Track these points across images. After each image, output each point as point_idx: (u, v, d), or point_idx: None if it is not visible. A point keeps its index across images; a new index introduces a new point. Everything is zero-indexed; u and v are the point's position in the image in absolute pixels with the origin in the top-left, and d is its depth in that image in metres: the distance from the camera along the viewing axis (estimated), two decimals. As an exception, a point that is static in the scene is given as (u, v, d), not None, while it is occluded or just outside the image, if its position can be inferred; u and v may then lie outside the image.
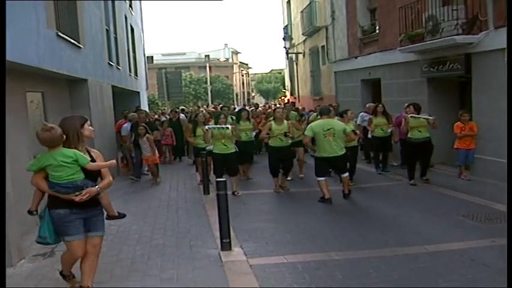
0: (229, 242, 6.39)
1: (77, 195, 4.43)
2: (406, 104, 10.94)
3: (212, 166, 10.74)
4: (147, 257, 6.25)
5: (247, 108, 17.90)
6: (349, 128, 9.84)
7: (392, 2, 14.27)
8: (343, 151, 9.39)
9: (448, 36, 11.20)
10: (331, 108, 10.47)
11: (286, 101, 33.22)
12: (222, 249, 6.34)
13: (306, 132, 9.51)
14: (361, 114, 14.03)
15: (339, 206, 9.00)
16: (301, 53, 27.34)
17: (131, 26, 23.10)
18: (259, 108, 21.11)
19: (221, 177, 9.53)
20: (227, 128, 10.07)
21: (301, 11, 25.09)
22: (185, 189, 11.39)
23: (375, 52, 16.01)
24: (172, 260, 6.12)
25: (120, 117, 14.98)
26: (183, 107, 26.53)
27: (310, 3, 23.42)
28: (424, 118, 10.41)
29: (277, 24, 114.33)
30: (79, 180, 4.49)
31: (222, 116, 10.57)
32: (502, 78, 10.07)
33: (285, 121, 10.62)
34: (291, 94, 31.72)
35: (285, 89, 38.22)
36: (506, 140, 6.32)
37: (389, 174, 12.25)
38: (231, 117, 12.76)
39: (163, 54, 72.49)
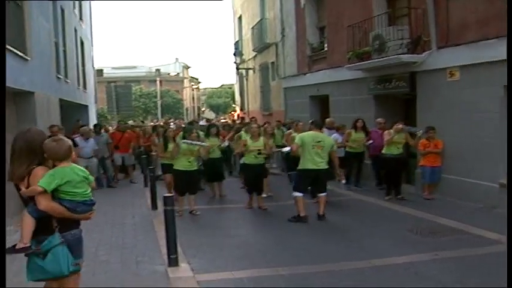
0: (176, 257, 6.31)
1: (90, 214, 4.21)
2: (381, 119, 11.34)
3: (174, 184, 10.22)
4: (92, 274, 6.07)
5: (216, 123, 17.87)
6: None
7: (340, 21, 14.58)
8: (327, 166, 9.06)
9: (393, 55, 11.50)
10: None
11: (236, 116, 33.28)
12: (169, 265, 6.25)
13: (295, 140, 9.11)
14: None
15: (288, 221, 9.00)
16: (251, 68, 27.48)
17: (81, 39, 22.76)
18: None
19: (183, 195, 9.76)
20: (203, 145, 9.77)
21: (252, 27, 25.27)
22: (133, 204, 11.19)
23: (323, 69, 16.24)
24: (117, 276, 5.99)
25: (69, 130, 14.63)
26: (132, 121, 26.23)
27: (261, 20, 23.64)
28: (410, 131, 10.60)
29: (228, 39, 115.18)
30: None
31: (194, 130, 10.19)
32: (445, 96, 10.48)
33: (261, 138, 10.34)
34: (241, 109, 31.79)
35: (235, 104, 38.27)
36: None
37: (360, 190, 12.18)
38: (197, 132, 12.37)
39: (113, 68, 71.44)
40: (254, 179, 10.22)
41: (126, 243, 7.57)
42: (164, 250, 6.53)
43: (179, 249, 6.59)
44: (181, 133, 12.09)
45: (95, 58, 29.49)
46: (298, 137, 9.23)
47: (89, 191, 4.12)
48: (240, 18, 30.21)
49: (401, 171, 10.81)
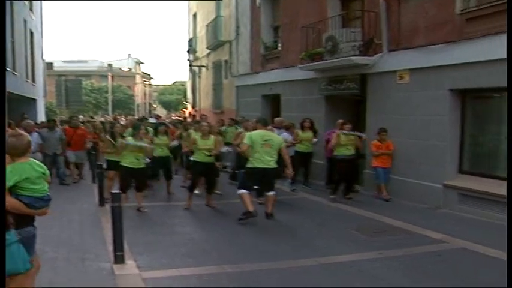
0: (123, 255, 6.20)
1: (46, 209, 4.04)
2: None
3: (120, 180, 9.86)
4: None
5: (167, 122, 17.49)
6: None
7: (295, 21, 14.63)
8: (276, 165, 8.81)
9: (345, 57, 11.61)
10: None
11: (187, 113, 33.03)
12: (115, 262, 6.13)
13: (244, 141, 8.85)
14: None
15: (236, 220, 8.94)
16: (204, 66, 27.32)
17: (30, 31, 22.11)
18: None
19: (125, 192, 9.36)
20: (150, 147, 9.65)
21: (207, 25, 25.11)
22: (80, 201, 10.87)
23: (276, 68, 16.28)
24: (63, 274, 5.79)
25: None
26: (82, 116, 25.65)
27: (215, 17, 23.51)
28: (356, 135, 10.47)
29: (182, 36, 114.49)
30: None
31: (143, 127, 9.95)
32: (395, 98, 10.67)
33: (212, 136, 10.07)
34: (193, 107, 31.57)
35: (186, 101, 37.97)
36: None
37: (309, 189, 12.17)
38: (146, 129, 11.72)
39: (64, 61, 69.73)
40: (200, 176, 10.10)
41: (72, 240, 7.35)
42: (111, 247, 6.39)
43: (125, 246, 6.46)
44: (129, 129, 11.80)
45: (45, 51, 28.76)
46: (247, 136, 8.99)
47: (46, 187, 4.06)
48: (195, 15, 30.01)
49: (352, 173, 10.74)
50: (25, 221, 3.96)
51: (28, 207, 3.92)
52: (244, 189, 8.78)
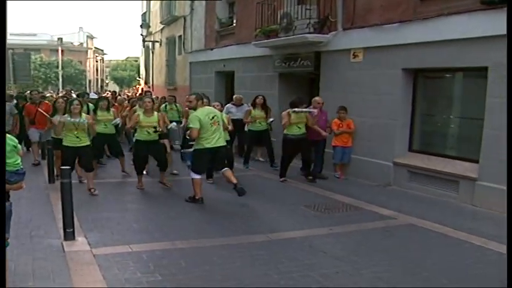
0: (73, 231, 6.11)
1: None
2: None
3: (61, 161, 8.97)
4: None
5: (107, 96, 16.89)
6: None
7: (250, -3, 14.47)
8: (224, 142, 8.53)
9: (300, 34, 11.55)
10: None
11: (140, 90, 32.50)
12: (65, 239, 6.04)
13: (192, 124, 8.16)
14: (226, 106, 13.16)
15: (186, 195, 8.84)
16: (157, 41, 26.90)
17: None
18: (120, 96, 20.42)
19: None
20: (82, 121, 8.72)
21: (161, -1, 24.68)
22: (30, 178, 10.46)
23: (231, 45, 16.13)
24: (11, 251, 5.55)
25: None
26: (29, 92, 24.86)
27: (170, -9, 23.11)
28: (306, 112, 9.97)
29: (136, 10, 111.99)
30: None
31: (76, 102, 9.00)
32: (348, 76, 10.75)
33: (156, 113, 9.66)
34: (145, 83, 31.11)
35: (139, 77, 37.37)
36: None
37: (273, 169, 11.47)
38: (87, 105, 11.34)
39: (11, 34, 67.03)
40: (149, 154, 9.71)
41: (21, 218, 7.05)
42: (60, 224, 6.26)
43: (76, 223, 6.37)
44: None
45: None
46: (193, 118, 8.23)
47: (19, 160, 3.99)
48: (148, -12, 29.43)
49: (306, 151, 10.31)
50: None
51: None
52: (197, 173, 8.37)
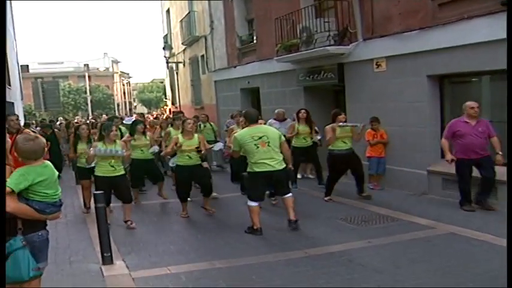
0: (111, 255, 6.21)
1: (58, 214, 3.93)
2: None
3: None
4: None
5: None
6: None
7: (268, 13, 14.60)
8: (282, 165, 7.52)
9: (321, 47, 11.62)
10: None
11: (168, 110, 32.83)
12: (104, 263, 6.14)
13: (232, 147, 7.72)
14: (269, 121, 12.08)
15: (222, 215, 8.97)
16: (181, 62, 27.16)
17: (2, 34, 21.75)
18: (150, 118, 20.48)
19: (108, 205, 8.11)
20: (120, 152, 8.05)
21: (181, 21, 24.95)
22: (65, 203, 10.69)
23: (253, 61, 16.26)
24: (52, 277, 5.69)
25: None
26: (62, 118, 25.46)
27: (189, 12, 23.36)
28: (352, 126, 9.45)
29: (157, 33, 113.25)
30: None
31: (114, 128, 8.38)
32: (373, 86, 10.72)
33: (196, 135, 9.01)
34: (173, 103, 31.41)
35: (166, 98, 37.75)
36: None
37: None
38: (119, 129, 10.78)
39: (39, 63, 68.61)
40: (188, 183, 9.03)
41: (59, 243, 7.26)
42: (98, 248, 6.37)
43: (113, 246, 6.48)
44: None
45: (20, 53, 28.38)
46: (233, 139, 7.73)
47: (59, 191, 3.94)
48: (168, 11, 29.80)
49: (356, 168, 9.69)
50: (36, 225, 3.86)
51: (39, 212, 3.80)
52: (253, 200, 7.55)
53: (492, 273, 5.32)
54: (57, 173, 4.03)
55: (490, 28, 7.90)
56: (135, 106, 79.56)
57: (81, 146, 9.45)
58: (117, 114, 53.29)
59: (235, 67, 17.92)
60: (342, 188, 10.17)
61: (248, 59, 16.82)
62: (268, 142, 7.34)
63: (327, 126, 9.60)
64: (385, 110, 10.44)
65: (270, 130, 7.73)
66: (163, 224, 8.68)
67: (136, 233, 7.89)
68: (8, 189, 3.59)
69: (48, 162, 3.94)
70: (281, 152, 7.56)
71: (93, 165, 8.38)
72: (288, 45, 13.16)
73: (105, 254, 6.18)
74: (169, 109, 32.20)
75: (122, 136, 10.41)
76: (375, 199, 9.50)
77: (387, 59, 10.33)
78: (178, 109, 27.08)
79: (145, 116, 24.15)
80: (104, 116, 28.47)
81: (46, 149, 3.95)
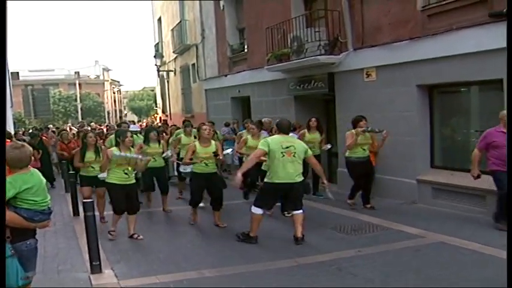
0: (99, 264, 6.18)
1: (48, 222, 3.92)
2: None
3: (111, 201, 8.18)
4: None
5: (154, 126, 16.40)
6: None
7: (259, 22, 14.66)
8: (301, 178, 7.43)
9: (311, 56, 11.68)
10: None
11: (158, 119, 32.84)
12: (92, 272, 6.11)
13: (260, 146, 7.40)
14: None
15: (212, 224, 8.90)
16: (172, 70, 27.20)
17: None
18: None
19: (122, 213, 8.00)
20: (141, 159, 7.91)
21: (172, 29, 25.00)
22: (54, 211, 10.60)
23: (244, 70, 16.30)
24: (39, 286, 5.69)
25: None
26: (51, 126, 25.36)
27: (180, 21, 23.43)
28: (376, 132, 9.34)
29: (148, 41, 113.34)
30: None
31: (130, 134, 8.15)
32: (363, 95, 10.78)
33: (213, 141, 8.73)
34: (163, 112, 31.41)
35: (157, 106, 37.76)
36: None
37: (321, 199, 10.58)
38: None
39: (30, 71, 68.35)
40: (203, 191, 8.80)
41: (47, 252, 7.21)
42: (87, 257, 6.35)
43: (102, 255, 6.45)
44: (111, 137, 10.98)
45: (10, 60, 28.21)
46: (263, 141, 7.52)
47: (47, 198, 3.95)
48: (159, 19, 29.84)
49: (368, 176, 9.66)
50: (25, 233, 3.87)
51: (27, 220, 3.80)
52: (260, 207, 7.41)
53: (483, 282, 5.36)
54: (44, 180, 4.03)
55: (479, 39, 8.01)
56: (126, 114, 79.49)
57: (89, 155, 9.12)
58: (107, 122, 53.18)
59: (226, 76, 17.96)
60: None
61: (239, 68, 16.86)
62: (294, 153, 7.25)
63: (348, 132, 9.54)
64: (375, 119, 10.40)
65: (297, 142, 7.64)
66: (153, 233, 8.59)
67: (126, 242, 7.83)
68: None
69: (35, 170, 3.94)
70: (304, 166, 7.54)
71: (103, 175, 8.21)
72: (278, 54, 13.20)
73: (93, 263, 6.15)
74: (160, 117, 32.21)
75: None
76: (364, 209, 9.51)
77: (377, 68, 10.40)
78: (169, 117, 27.11)
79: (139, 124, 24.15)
80: (93, 123, 28.38)
81: (33, 157, 3.94)
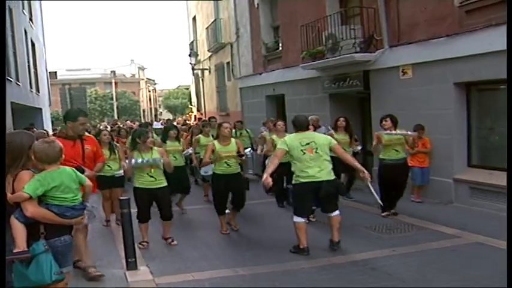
0: (135, 261, 6.27)
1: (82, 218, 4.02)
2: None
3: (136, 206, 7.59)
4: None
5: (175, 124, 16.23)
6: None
7: (294, 20, 14.62)
8: (331, 176, 6.83)
9: (346, 54, 11.60)
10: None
11: (193, 117, 33.04)
12: (128, 268, 6.19)
13: (279, 145, 7.02)
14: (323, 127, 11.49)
15: (247, 221, 8.94)
16: (206, 69, 27.35)
17: (32, 41, 22.24)
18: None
19: (146, 221, 7.65)
20: (158, 160, 7.36)
21: (207, 28, 25.14)
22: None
23: (278, 69, 16.29)
24: (75, 283, 5.81)
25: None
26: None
27: (215, 20, 23.53)
28: (402, 134, 8.63)
29: (183, 40, 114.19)
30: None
31: (149, 135, 7.77)
32: (399, 93, 10.65)
33: (233, 140, 8.34)
34: (198, 110, 31.61)
35: (192, 105, 38.00)
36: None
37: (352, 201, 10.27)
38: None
39: (67, 70, 69.86)
40: (226, 193, 8.31)
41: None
42: (123, 254, 6.43)
43: (138, 252, 6.55)
44: (128, 138, 10.69)
45: (48, 60, 28.92)
46: (281, 140, 7.17)
47: (78, 196, 4.00)
48: (194, 18, 30.03)
49: (401, 180, 8.88)
50: (59, 230, 3.92)
51: (59, 216, 3.86)
52: (299, 216, 6.88)
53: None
54: (78, 179, 4.07)
55: (518, 35, 7.79)
56: (161, 112, 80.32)
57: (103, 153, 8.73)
58: (142, 120, 53.88)
59: (260, 74, 17.97)
60: (366, 196, 9.86)
61: (273, 66, 16.85)
62: (316, 148, 6.72)
63: (376, 133, 9.09)
64: (411, 117, 10.28)
65: (318, 136, 7.12)
66: (187, 231, 8.70)
67: (160, 240, 7.91)
68: (25, 195, 3.68)
69: (65, 168, 3.97)
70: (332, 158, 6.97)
71: (120, 172, 8.30)
72: (313, 52, 13.16)
73: (129, 260, 6.23)
74: (195, 116, 32.42)
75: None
76: (399, 207, 9.32)
77: (413, 66, 10.27)
78: (204, 116, 27.28)
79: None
80: (128, 122, 28.76)
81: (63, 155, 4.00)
